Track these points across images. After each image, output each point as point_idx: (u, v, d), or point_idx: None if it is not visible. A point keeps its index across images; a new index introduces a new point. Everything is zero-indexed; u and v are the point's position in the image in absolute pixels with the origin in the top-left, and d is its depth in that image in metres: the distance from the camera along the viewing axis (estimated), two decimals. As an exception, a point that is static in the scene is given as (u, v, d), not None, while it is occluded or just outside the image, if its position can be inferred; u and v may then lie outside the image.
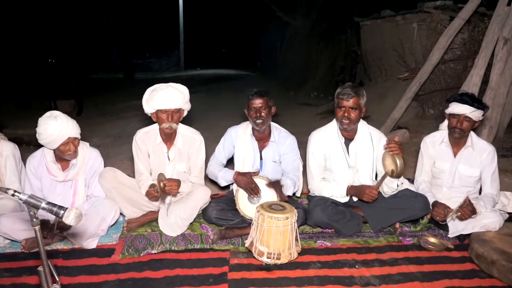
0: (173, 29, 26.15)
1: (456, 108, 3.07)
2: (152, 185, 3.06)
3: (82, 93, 9.51)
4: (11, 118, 8.22)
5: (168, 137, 3.26)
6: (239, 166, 3.41)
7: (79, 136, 3.00)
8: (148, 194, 3.09)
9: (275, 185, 3.16)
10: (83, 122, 8.27)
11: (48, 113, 2.92)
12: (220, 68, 25.88)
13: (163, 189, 2.97)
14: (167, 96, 3.06)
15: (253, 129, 3.40)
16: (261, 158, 3.43)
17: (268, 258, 2.71)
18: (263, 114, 3.24)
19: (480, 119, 3.09)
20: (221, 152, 3.51)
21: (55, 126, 2.82)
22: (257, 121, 3.26)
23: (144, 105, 3.17)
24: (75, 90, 9.32)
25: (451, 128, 3.17)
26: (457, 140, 3.21)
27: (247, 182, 3.17)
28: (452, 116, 3.14)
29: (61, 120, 2.85)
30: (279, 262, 2.71)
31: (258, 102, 3.25)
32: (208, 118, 8.67)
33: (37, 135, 2.88)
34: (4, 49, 13.55)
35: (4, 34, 14.64)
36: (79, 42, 20.49)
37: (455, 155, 3.26)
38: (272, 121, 3.45)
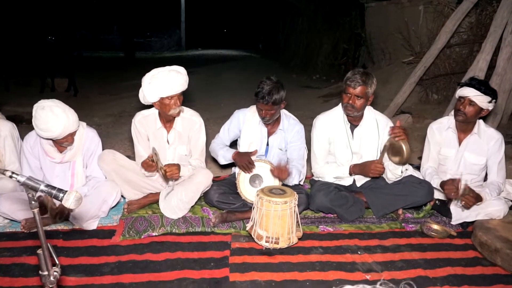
0: (174, 8, 25.84)
1: (463, 90, 3.03)
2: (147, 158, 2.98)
3: (73, 72, 9.01)
4: (11, 95, 8.16)
5: (168, 121, 3.20)
6: (244, 150, 3.34)
7: (77, 128, 2.90)
8: (143, 164, 2.99)
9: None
10: (84, 101, 8.32)
11: (46, 106, 2.72)
12: (222, 49, 25.68)
13: (165, 175, 2.94)
14: (172, 82, 2.93)
15: None
16: (267, 144, 3.37)
17: (266, 242, 2.68)
18: (268, 116, 3.15)
19: (489, 107, 3.00)
20: (226, 133, 3.44)
21: (57, 126, 2.69)
22: (263, 121, 3.24)
23: (146, 95, 2.98)
24: (65, 68, 8.96)
25: (455, 111, 3.13)
26: (463, 126, 3.15)
27: (243, 159, 3.14)
28: (458, 99, 3.11)
29: (62, 118, 2.70)
30: (277, 246, 2.69)
31: (264, 108, 3.11)
32: (209, 99, 8.61)
33: (34, 125, 2.73)
34: (4, 25, 13.39)
35: (3, 11, 14.45)
36: (78, 19, 20.26)
37: (460, 142, 3.21)
38: None
